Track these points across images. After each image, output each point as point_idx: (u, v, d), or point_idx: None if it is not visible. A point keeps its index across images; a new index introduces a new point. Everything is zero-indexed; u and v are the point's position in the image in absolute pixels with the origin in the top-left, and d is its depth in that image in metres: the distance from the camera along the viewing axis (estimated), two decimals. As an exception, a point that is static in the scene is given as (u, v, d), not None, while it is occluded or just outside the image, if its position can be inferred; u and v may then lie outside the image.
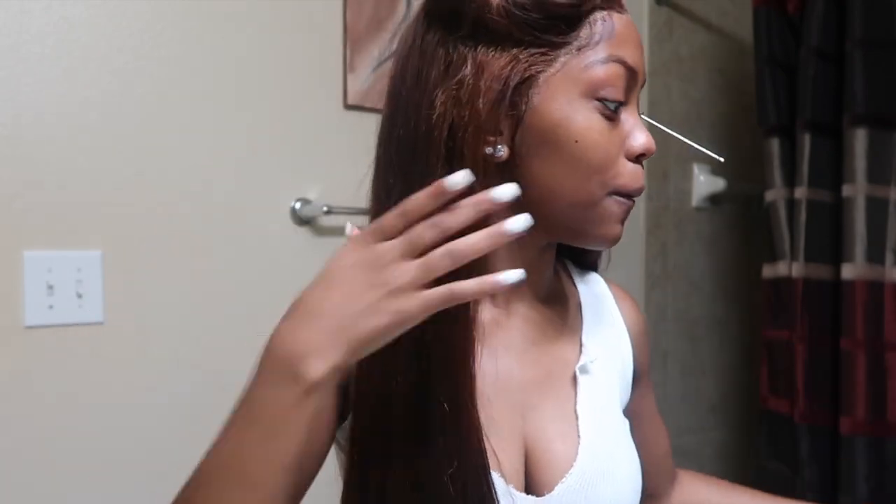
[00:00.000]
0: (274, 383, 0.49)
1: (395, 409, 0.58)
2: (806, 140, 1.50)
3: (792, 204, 1.54)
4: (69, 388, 1.10)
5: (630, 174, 0.62)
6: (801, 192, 1.50)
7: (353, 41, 1.33)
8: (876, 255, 1.42)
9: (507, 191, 0.48)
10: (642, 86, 0.64)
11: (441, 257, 0.48)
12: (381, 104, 1.34)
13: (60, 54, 1.09)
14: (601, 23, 0.60)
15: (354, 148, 1.40)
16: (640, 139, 0.62)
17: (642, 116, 0.66)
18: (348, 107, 1.34)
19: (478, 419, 0.60)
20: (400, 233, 0.49)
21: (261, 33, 1.25)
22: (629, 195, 0.63)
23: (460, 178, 0.48)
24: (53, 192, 1.08)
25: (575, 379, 0.69)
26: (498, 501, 0.59)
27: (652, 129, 0.66)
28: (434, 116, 0.59)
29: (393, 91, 0.64)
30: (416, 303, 0.48)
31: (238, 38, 1.23)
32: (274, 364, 0.50)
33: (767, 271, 1.60)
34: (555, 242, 0.69)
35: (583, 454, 0.65)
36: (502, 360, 0.66)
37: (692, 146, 0.83)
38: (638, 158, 0.63)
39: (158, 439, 1.16)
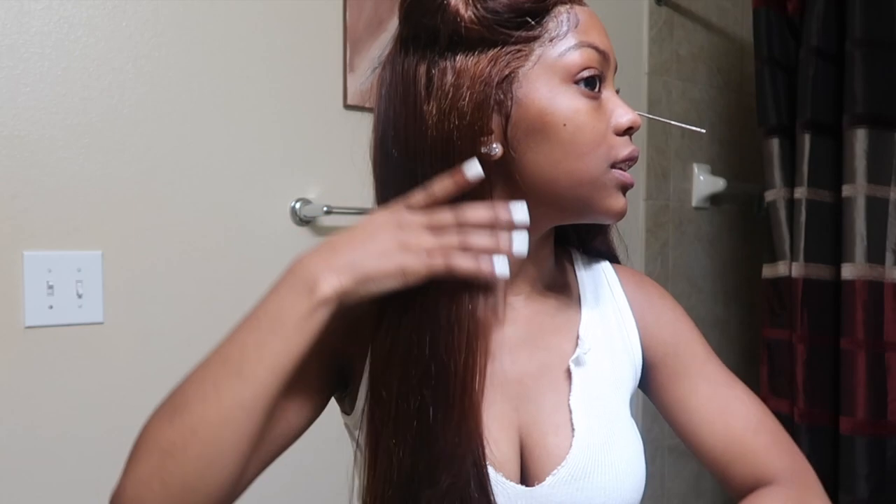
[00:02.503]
0: (288, 294, 0.59)
1: (404, 399, 0.62)
2: (806, 140, 1.50)
3: (792, 204, 1.54)
4: (69, 388, 1.10)
5: (622, 144, 0.65)
6: (801, 192, 1.50)
7: (353, 41, 1.33)
8: (876, 255, 1.42)
9: (521, 214, 0.60)
10: (615, 70, 0.67)
11: (452, 238, 0.59)
12: (381, 104, 1.35)
13: (60, 54, 1.09)
14: (566, 14, 0.64)
15: (354, 148, 1.40)
16: (626, 115, 0.65)
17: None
18: (348, 107, 1.34)
19: (479, 415, 0.62)
20: (424, 208, 0.60)
21: (261, 33, 1.25)
22: (626, 161, 0.66)
23: (474, 168, 0.60)
24: (53, 192, 1.08)
25: (569, 372, 0.70)
26: (491, 490, 0.62)
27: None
28: (426, 129, 0.62)
29: (382, 117, 0.66)
30: (420, 262, 0.59)
31: (238, 39, 1.23)
32: (292, 278, 0.60)
33: (767, 271, 1.60)
34: (552, 233, 0.72)
35: (576, 446, 0.66)
36: (497, 353, 0.68)
37: (671, 124, 0.91)
38: (626, 133, 0.66)
39: (158, 439, 1.16)
